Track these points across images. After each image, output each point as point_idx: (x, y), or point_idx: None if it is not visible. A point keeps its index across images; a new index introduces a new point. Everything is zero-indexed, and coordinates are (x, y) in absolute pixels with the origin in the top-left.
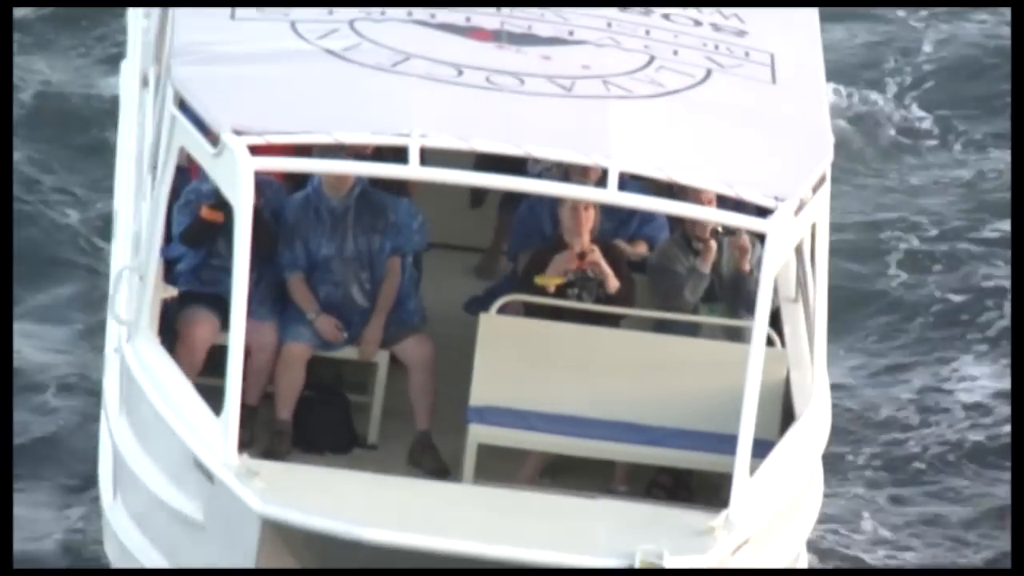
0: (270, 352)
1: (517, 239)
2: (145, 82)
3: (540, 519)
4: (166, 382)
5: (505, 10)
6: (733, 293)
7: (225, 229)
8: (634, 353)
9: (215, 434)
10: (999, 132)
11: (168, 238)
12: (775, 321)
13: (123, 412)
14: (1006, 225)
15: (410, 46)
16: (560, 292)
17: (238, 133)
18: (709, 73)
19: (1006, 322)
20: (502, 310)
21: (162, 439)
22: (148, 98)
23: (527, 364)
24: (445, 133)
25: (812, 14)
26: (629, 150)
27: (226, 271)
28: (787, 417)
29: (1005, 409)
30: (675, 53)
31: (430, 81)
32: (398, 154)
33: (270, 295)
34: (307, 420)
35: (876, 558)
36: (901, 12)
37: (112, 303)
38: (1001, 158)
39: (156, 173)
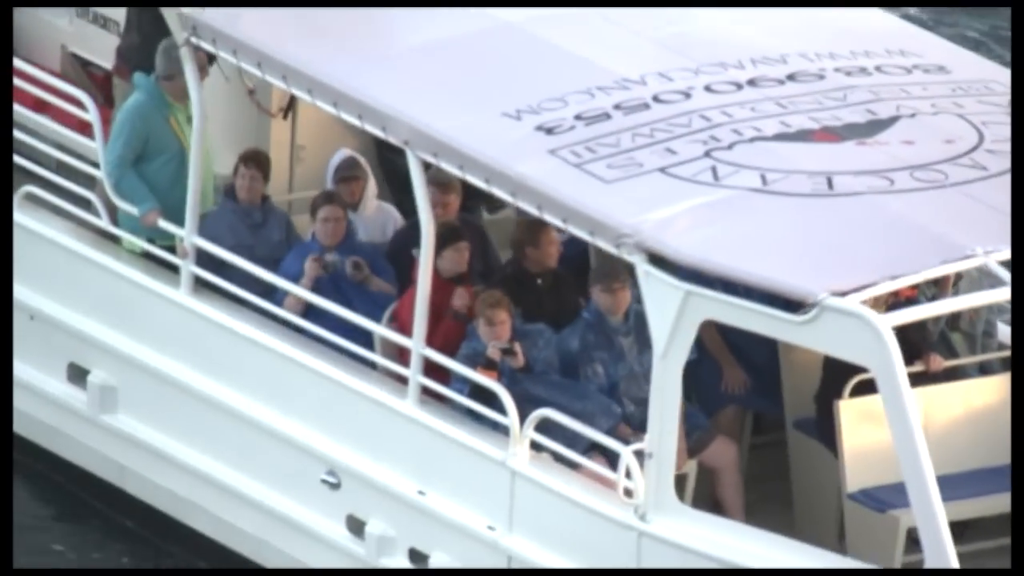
0: None
1: None
2: None
3: None
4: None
5: (783, 100)
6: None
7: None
8: (980, 400)
9: None
10: None
11: None
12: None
13: None
14: None
15: (804, 165)
16: None
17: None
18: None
19: None
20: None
21: None
22: None
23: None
24: (1000, 244)
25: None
26: None
27: None
28: None
29: None
30: (959, 105)
31: (888, 195)
32: None
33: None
34: None
35: None
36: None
37: (619, 487)
38: None
39: (664, 358)
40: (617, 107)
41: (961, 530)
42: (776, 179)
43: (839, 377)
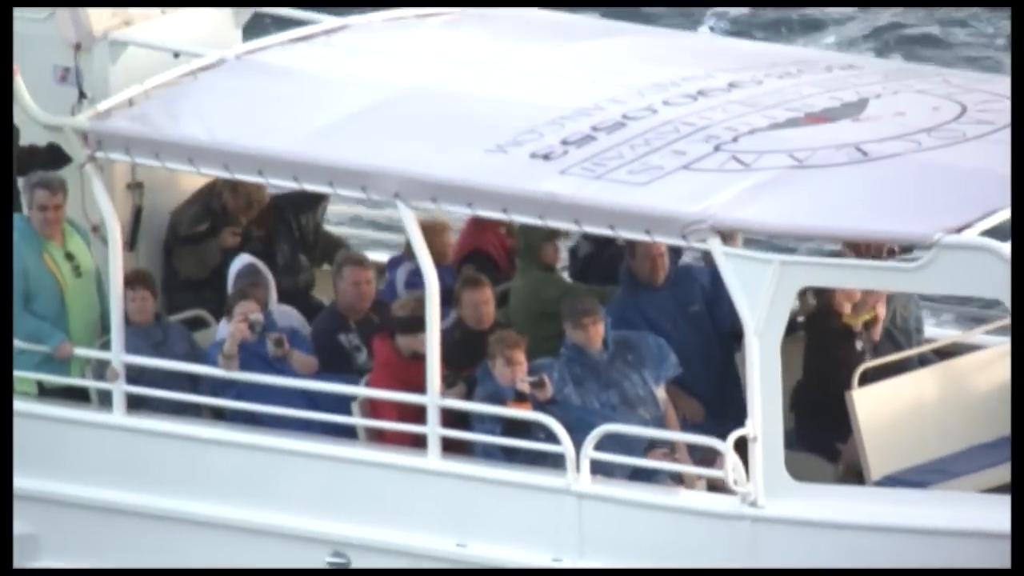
0: None
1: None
2: None
3: None
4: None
5: (747, 102)
6: None
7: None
8: (989, 371)
9: None
10: None
11: None
12: None
13: None
14: None
15: (823, 141)
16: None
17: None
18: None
19: None
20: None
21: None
22: None
23: (908, 419)
24: None
25: None
26: None
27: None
28: None
29: None
30: (908, 86)
31: (925, 152)
32: None
33: None
34: None
35: None
36: None
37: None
38: None
39: (761, 336)
40: (596, 128)
41: None
42: (806, 155)
43: (822, 377)
